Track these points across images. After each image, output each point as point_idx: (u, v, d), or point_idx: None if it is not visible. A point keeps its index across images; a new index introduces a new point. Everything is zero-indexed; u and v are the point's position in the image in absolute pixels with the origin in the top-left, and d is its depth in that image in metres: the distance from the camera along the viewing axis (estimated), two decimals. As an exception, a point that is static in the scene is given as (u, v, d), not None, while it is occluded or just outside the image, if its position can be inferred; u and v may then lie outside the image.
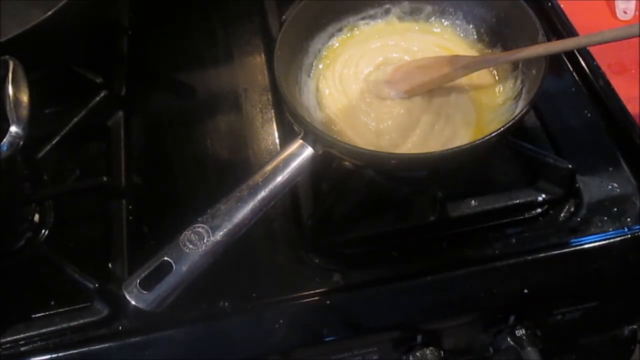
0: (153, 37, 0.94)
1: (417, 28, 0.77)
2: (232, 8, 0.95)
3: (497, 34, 0.72)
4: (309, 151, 0.59)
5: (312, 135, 0.60)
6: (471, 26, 0.75)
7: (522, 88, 0.67)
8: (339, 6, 0.76)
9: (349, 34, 0.77)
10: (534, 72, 0.64)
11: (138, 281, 0.54)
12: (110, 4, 0.92)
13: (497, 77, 0.71)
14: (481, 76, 0.71)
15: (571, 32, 0.81)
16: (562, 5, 0.84)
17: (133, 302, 0.54)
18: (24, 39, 0.69)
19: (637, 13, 0.90)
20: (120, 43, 0.90)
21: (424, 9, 0.77)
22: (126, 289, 0.54)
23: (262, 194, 0.57)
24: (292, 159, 0.59)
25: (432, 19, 0.77)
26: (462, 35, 0.75)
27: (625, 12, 0.90)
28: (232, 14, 0.95)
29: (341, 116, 0.69)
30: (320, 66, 0.75)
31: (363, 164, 0.64)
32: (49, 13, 0.71)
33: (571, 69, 0.78)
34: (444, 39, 0.75)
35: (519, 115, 0.59)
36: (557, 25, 0.82)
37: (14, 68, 0.61)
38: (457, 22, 0.76)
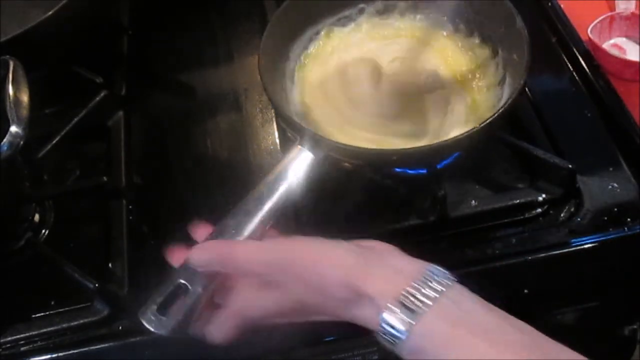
0: (153, 37, 0.94)
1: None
2: (232, 8, 0.95)
3: (473, 23, 0.73)
4: (308, 156, 0.59)
5: (309, 139, 0.59)
6: (445, 18, 0.75)
7: (505, 74, 0.68)
8: (315, 9, 0.75)
9: (326, 38, 0.77)
10: (514, 57, 0.64)
11: (155, 307, 0.51)
12: (110, 4, 0.92)
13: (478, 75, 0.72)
14: (464, 69, 0.72)
15: (571, 32, 0.81)
16: (562, 5, 0.84)
17: (152, 330, 0.51)
18: (24, 39, 0.69)
19: (637, 13, 0.90)
20: (120, 43, 0.90)
21: (397, 6, 0.77)
22: (143, 316, 0.52)
23: (269, 204, 0.56)
24: (293, 165, 0.58)
25: (406, 15, 0.77)
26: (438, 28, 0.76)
27: (625, 12, 0.90)
28: (232, 14, 0.95)
29: (329, 121, 0.69)
30: (302, 72, 0.74)
31: (361, 162, 0.64)
32: (49, 13, 0.71)
33: (571, 69, 0.78)
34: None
35: (508, 103, 0.60)
36: (557, 25, 0.82)
37: (14, 68, 0.61)
38: (431, 15, 0.76)
